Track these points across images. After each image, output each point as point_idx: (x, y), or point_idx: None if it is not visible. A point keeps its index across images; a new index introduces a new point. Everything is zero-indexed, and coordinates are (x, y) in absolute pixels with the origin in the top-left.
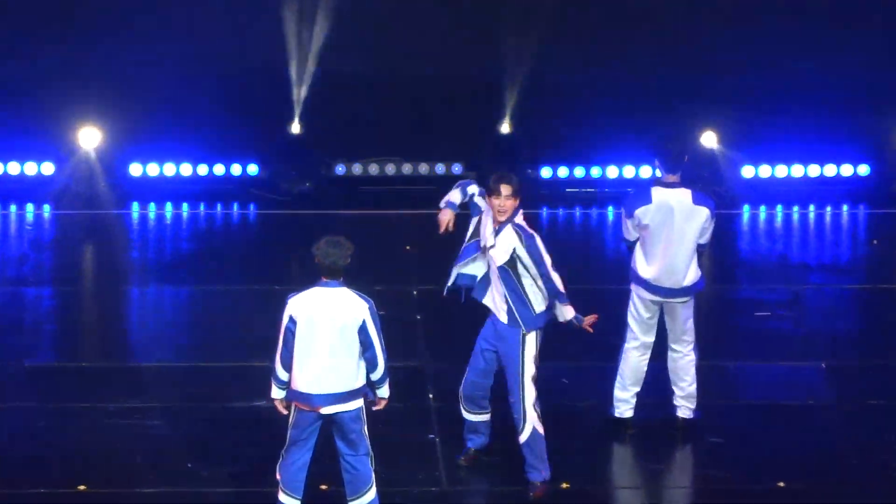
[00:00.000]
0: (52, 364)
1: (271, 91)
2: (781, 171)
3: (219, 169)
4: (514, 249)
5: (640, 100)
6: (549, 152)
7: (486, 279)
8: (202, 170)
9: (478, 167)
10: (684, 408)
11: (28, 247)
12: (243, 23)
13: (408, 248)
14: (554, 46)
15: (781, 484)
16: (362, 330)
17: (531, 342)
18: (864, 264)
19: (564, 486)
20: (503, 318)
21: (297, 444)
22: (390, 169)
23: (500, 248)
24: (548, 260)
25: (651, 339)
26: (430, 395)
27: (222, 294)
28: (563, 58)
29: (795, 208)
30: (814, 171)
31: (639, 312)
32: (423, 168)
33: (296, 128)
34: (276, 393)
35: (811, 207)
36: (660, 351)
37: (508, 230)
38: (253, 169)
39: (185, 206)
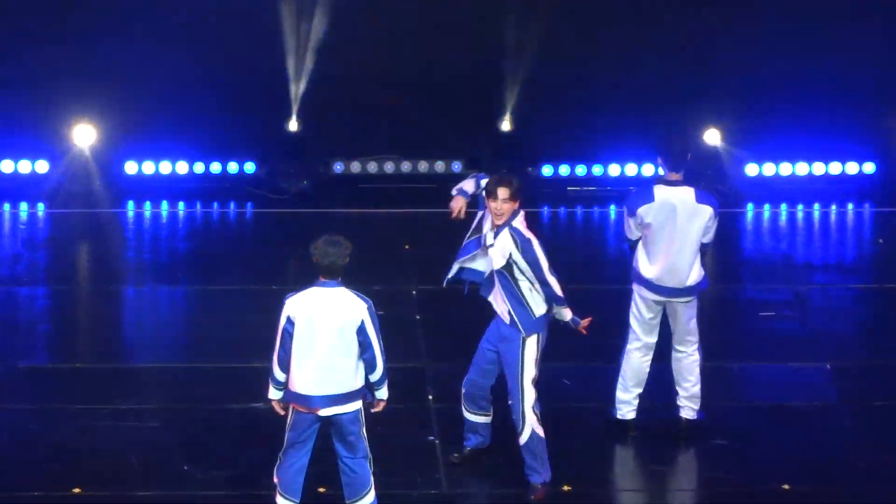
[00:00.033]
0: (47, 365)
1: (269, 88)
2: (786, 168)
3: (215, 167)
4: (511, 254)
5: (643, 97)
6: (550, 150)
7: (492, 276)
8: (199, 168)
9: (478, 165)
10: (688, 408)
11: (22, 246)
12: (240, 19)
13: (407, 247)
14: (555, 43)
15: (786, 486)
16: (361, 330)
17: (532, 345)
18: (870, 263)
19: (566, 488)
20: (506, 318)
21: (295, 447)
22: (389, 167)
23: (497, 251)
24: (545, 264)
25: (653, 339)
26: (430, 397)
27: (219, 294)
28: (564, 54)
29: (800, 207)
30: (818, 168)
31: (641, 313)
32: (423, 166)
33: (294, 125)
34: (274, 394)
35: (816, 206)
36: (663, 351)
37: (505, 234)
38: (250, 167)
39: (181, 204)
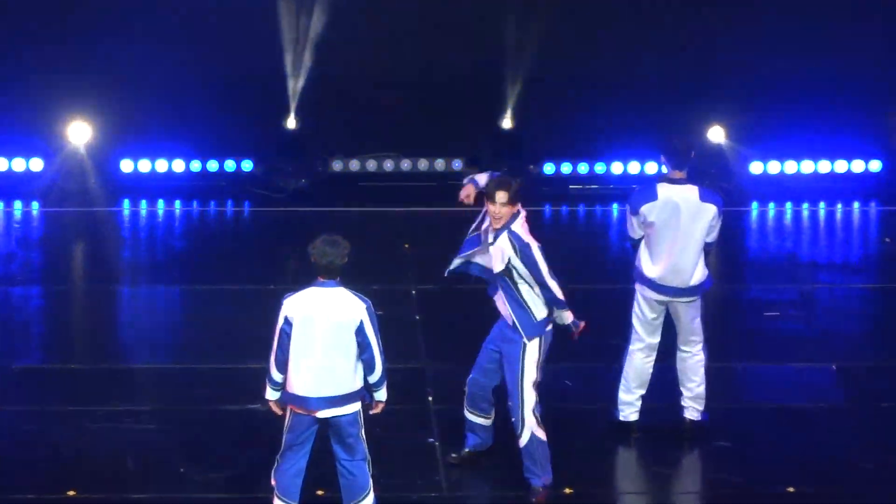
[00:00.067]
0: (41, 366)
1: (266, 85)
2: (791, 166)
3: (212, 165)
4: (510, 259)
5: (646, 94)
6: (551, 148)
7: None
8: (195, 166)
9: (479, 163)
10: (692, 409)
11: (16, 245)
12: (238, 15)
13: (407, 246)
14: (556, 40)
15: (791, 489)
16: (360, 331)
17: (533, 347)
18: (876, 263)
19: (567, 491)
20: (509, 320)
21: (293, 449)
22: (388, 165)
23: (496, 255)
24: (544, 268)
25: (656, 340)
26: (430, 398)
27: (216, 294)
28: (565, 51)
29: (805, 205)
30: (824, 166)
31: (643, 313)
32: (423, 164)
33: (292, 123)
34: (271, 394)
35: (821, 204)
36: (666, 352)
37: (504, 239)
38: (248, 165)
39: (177, 203)
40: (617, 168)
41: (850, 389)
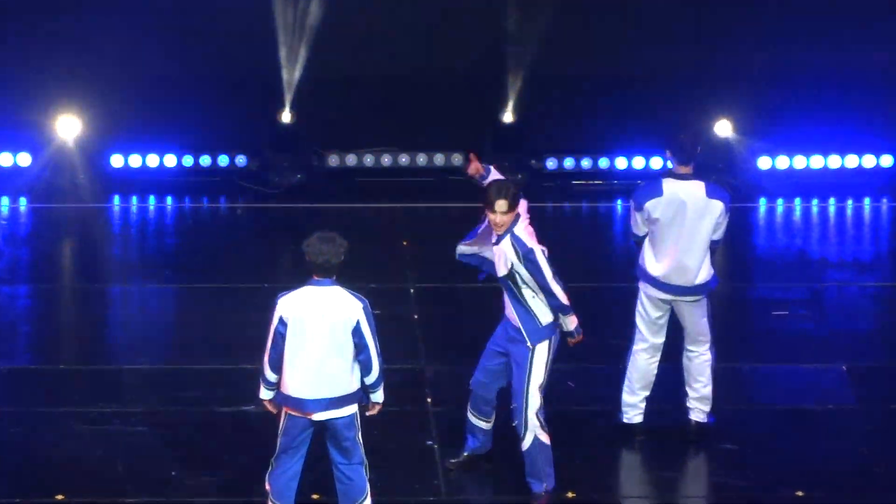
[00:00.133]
0: (28, 367)
1: (261, 77)
2: (800, 161)
3: (205, 160)
4: (512, 264)
5: (651, 86)
6: (554, 143)
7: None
8: (187, 161)
9: (479, 158)
10: (698, 410)
11: (2, 242)
12: (231, 6)
13: (405, 243)
14: (559, 31)
15: (800, 493)
16: (356, 331)
17: (542, 350)
18: (888, 260)
19: (570, 495)
20: (515, 322)
21: (288, 453)
22: (386, 160)
23: (499, 258)
24: (548, 274)
25: (660, 340)
26: (429, 399)
27: (209, 292)
28: (568, 42)
29: (815, 201)
30: (834, 161)
31: (647, 312)
32: (421, 159)
33: (286, 116)
34: (265, 394)
35: (831, 200)
36: (671, 352)
37: (506, 243)
38: (241, 160)
39: (169, 199)
40: (621, 163)
41: (861, 391)
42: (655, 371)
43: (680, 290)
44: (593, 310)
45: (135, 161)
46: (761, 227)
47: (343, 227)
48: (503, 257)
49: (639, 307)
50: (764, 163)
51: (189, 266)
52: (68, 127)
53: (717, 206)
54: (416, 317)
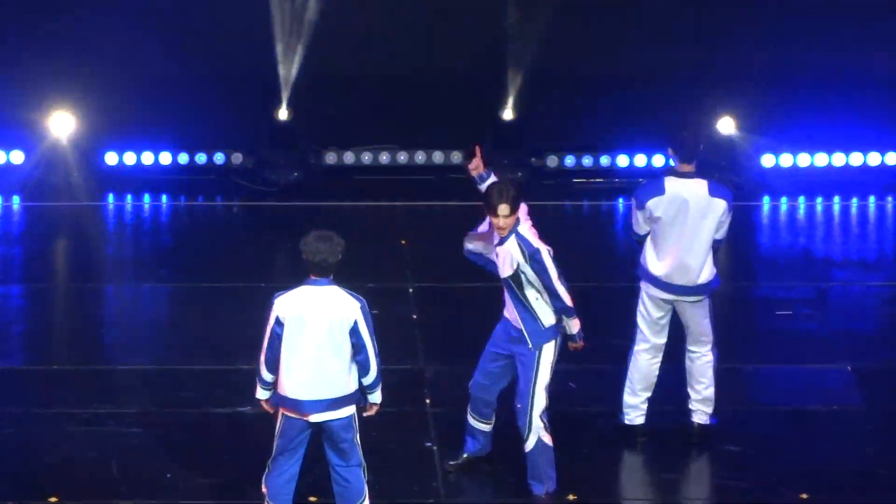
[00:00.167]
0: (21, 367)
1: (257, 74)
2: (804, 159)
3: (200, 158)
4: (518, 265)
5: (653, 84)
6: (554, 140)
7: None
8: (183, 159)
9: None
10: (700, 412)
11: None
12: (227, 2)
13: (403, 242)
14: (560, 26)
15: (804, 496)
16: (354, 331)
17: (549, 349)
18: (893, 259)
19: (571, 497)
20: (516, 324)
21: (285, 455)
22: (385, 157)
23: (503, 259)
24: (554, 274)
25: (662, 340)
26: (428, 400)
27: (204, 292)
28: (569, 38)
29: (819, 200)
30: (838, 159)
31: (649, 312)
32: (420, 157)
33: (283, 114)
34: (261, 393)
35: (836, 198)
36: (673, 353)
37: (512, 244)
38: (237, 158)
39: (164, 197)
40: (623, 161)
41: (866, 391)
42: (657, 372)
43: (682, 290)
44: (594, 310)
45: (129, 158)
46: (765, 226)
47: (341, 226)
48: (508, 258)
49: (640, 307)
50: (767, 160)
51: (184, 265)
52: (62, 124)
53: (720, 205)
54: (414, 316)
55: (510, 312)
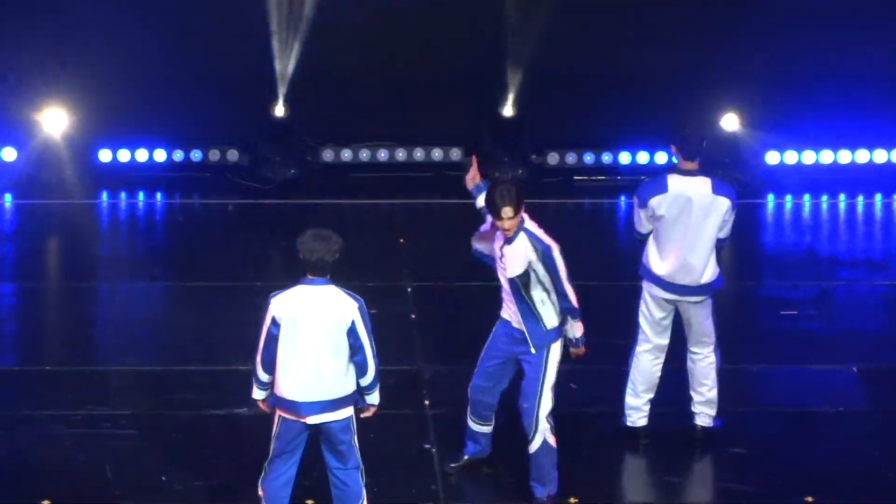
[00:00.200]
0: (14, 368)
1: (253, 69)
2: (809, 156)
3: (196, 155)
4: (530, 262)
5: (655, 80)
6: (555, 137)
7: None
8: (177, 156)
9: (478, 153)
10: (703, 415)
11: None
12: None
13: (402, 240)
14: (561, 22)
15: (810, 499)
16: (351, 331)
17: (556, 350)
18: None
19: (572, 500)
20: (517, 325)
21: (282, 457)
22: (383, 155)
23: (513, 259)
24: (563, 273)
25: (665, 341)
26: (427, 402)
27: (199, 291)
28: (570, 34)
29: (824, 197)
30: (844, 156)
31: (651, 312)
32: (419, 154)
33: (280, 110)
34: (258, 394)
35: (841, 196)
36: (675, 353)
37: (522, 242)
38: (233, 155)
39: (158, 195)
40: (625, 158)
41: (872, 393)
42: (659, 373)
43: (685, 289)
44: (596, 310)
45: (123, 156)
46: (769, 224)
47: (338, 224)
48: (518, 256)
49: (642, 307)
50: (772, 157)
51: (179, 264)
52: (55, 120)
53: (724, 203)
54: (413, 316)
55: (510, 314)
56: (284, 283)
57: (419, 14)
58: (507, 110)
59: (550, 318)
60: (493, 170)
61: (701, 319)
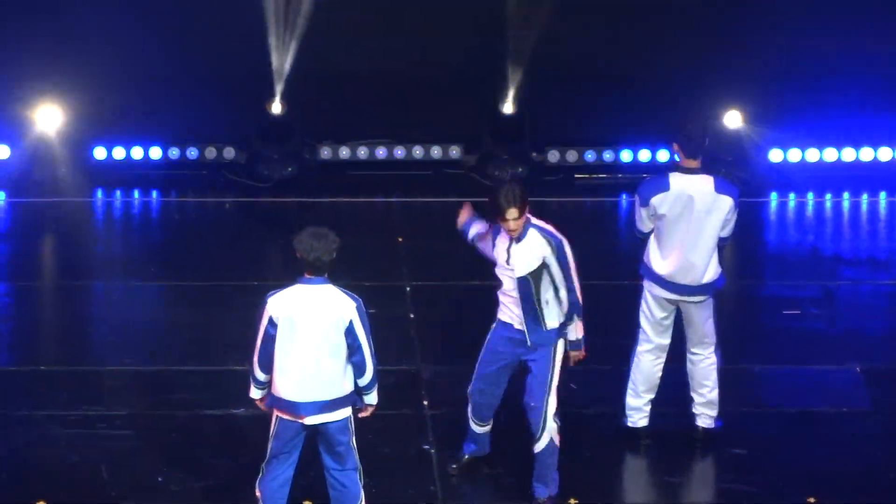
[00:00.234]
0: (8, 368)
1: (250, 66)
2: (813, 154)
3: (192, 152)
4: (545, 258)
5: (657, 76)
6: (556, 134)
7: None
8: (173, 153)
9: (478, 151)
10: (704, 416)
11: None
12: None
13: (400, 239)
14: (562, 18)
15: (812, 500)
16: (349, 331)
17: (561, 347)
18: None
19: (573, 501)
20: (517, 325)
21: (279, 458)
22: (381, 152)
23: (525, 256)
24: (573, 267)
25: (666, 341)
26: (425, 402)
27: (196, 290)
28: (571, 30)
29: (828, 196)
30: (848, 154)
31: (652, 312)
32: (418, 152)
33: (277, 107)
34: (255, 393)
35: (845, 195)
36: (677, 353)
37: (534, 238)
38: (229, 152)
39: (154, 193)
40: (626, 156)
41: (875, 393)
42: (660, 373)
43: (686, 289)
44: (596, 309)
45: (119, 153)
46: (772, 223)
47: (336, 223)
48: (531, 253)
49: (643, 307)
50: (775, 155)
51: (175, 263)
52: (49, 117)
53: (726, 202)
54: (412, 316)
55: (511, 316)
56: (282, 283)
57: (418, 11)
58: (508, 107)
59: (552, 318)
60: (493, 168)
61: (702, 320)
